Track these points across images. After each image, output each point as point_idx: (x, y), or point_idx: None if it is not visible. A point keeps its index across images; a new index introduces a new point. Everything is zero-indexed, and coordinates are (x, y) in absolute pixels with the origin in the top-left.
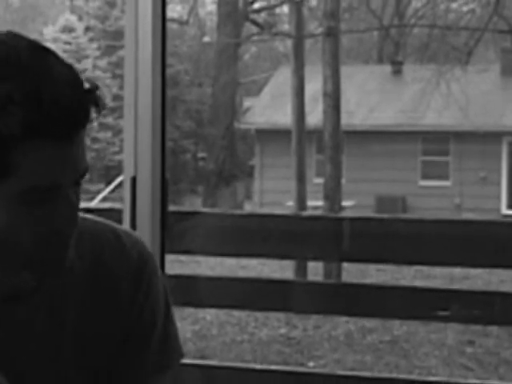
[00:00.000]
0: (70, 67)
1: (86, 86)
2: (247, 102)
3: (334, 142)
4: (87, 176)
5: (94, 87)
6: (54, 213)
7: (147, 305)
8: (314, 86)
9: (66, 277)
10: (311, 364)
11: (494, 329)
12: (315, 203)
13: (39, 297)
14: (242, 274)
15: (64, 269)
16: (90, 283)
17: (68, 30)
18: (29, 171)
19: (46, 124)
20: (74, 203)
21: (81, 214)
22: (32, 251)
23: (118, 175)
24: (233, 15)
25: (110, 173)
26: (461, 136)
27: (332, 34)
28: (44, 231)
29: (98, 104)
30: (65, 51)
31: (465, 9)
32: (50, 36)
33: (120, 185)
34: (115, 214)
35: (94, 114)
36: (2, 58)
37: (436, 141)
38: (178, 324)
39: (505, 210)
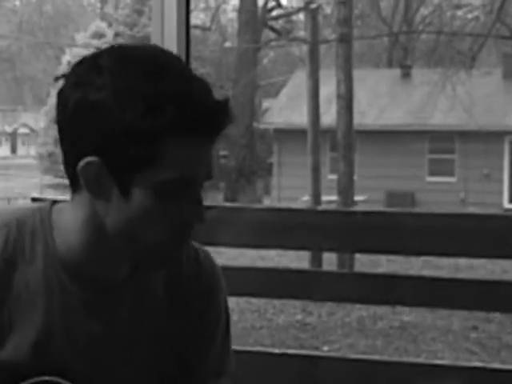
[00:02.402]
0: (208, 85)
1: (222, 97)
2: (266, 103)
3: (347, 141)
4: None
5: (227, 99)
6: (185, 206)
7: (212, 314)
8: (328, 88)
9: (148, 278)
10: (325, 348)
11: (496, 315)
12: (329, 198)
13: (125, 292)
14: (261, 264)
15: (176, 265)
16: (166, 289)
17: (98, 35)
18: (171, 163)
19: (194, 122)
20: (201, 200)
21: None
22: (158, 240)
23: None
24: (252, 22)
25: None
26: (465, 135)
27: (345, 39)
28: (172, 223)
29: (231, 118)
30: None
31: (469, 16)
32: (81, 41)
33: None
34: None
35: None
36: (159, 63)
37: (442, 140)
38: None
39: (506, 205)
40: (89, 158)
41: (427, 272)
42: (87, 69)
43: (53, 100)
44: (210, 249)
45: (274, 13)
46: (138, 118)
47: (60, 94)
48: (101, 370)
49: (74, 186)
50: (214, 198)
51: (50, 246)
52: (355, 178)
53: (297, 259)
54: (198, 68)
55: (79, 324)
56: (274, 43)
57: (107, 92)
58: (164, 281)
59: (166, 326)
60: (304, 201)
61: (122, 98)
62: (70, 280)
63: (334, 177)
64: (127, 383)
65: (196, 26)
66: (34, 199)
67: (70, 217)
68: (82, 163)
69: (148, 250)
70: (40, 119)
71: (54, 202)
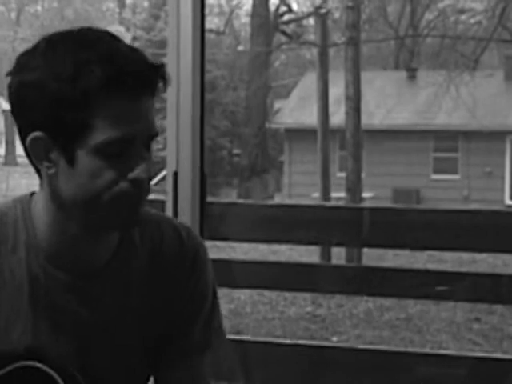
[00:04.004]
0: (139, 50)
1: (155, 61)
2: (277, 104)
3: (355, 140)
4: None
5: (162, 63)
6: (130, 165)
7: (197, 290)
8: (338, 89)
9: (131, 259)
10: (334, 339)
11: (498, 307)
12: (338, 195)
13: (108, 274)
14: (272, 258)
15: (137, 224)
16: (150, 267)
17: None
18: (107, 124)
19: (120, 80)
20: (148, 160)
21: (146, 207)
22: (110, 203)
23: (161, 170)
24: (264, 26)
25: (154, 167)
26: (469, 135)
27: (353, 43)
28: (120, 181)
29: (165, 77)
30: None
31: (472, 21)
32: None
33: (163, 178)
34: (159, 205)
35: (161, 89)
36: (78, 35)
37: (446, 139)
38: None
39: (508, 201)
40: (33, 134)
41: (432, 266)
42: (25, 55)
43: None
44: (223, 244)
45: (286, 17)
46: (68, 85)
47: (7, 84)
48: (88, 353)
49: (38, 172)
50: (227, 194)
51: (31, 236)
52: (363, 175)
53: (307, 253)
54: (213, 70)
55: (66, 310)
56: (285, 46)
57: (40, 70)
58: (148, 259)
59: (151, 303)
60: (314, 197)
61: (53, 71)
62: (53, 267)
63: (342, 174)
64: (114, 364)
65: (210, 30)
66: None
67: (40, 203)
68: (28, 140)
69: (103, 212)
70: None
71: (33, 193)
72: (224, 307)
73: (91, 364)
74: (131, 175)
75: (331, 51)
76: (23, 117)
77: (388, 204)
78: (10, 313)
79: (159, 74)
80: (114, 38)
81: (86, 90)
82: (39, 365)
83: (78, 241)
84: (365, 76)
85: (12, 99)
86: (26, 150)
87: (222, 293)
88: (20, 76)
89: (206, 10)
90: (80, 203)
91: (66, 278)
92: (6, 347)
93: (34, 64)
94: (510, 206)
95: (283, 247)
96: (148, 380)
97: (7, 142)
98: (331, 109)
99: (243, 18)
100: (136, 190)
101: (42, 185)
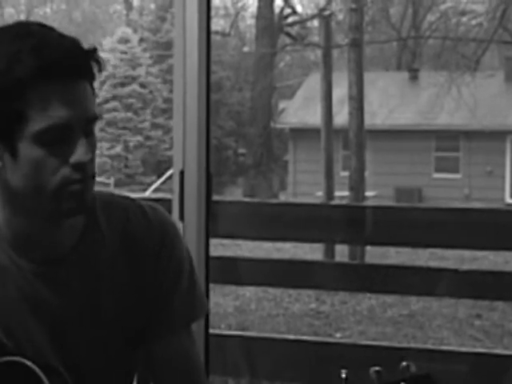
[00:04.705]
0: (70, 37)
1: (87, 47)
2: (282, 105)
3: (359, 140)
4: (141, 169)
5: (94, 48)
6: (70, 151)
7: (170, 266)
8: (341, 90)
9: (99, 242)
10: (338, 335)
11: (499, 304)
12: (342, 193)
13: (75, 259)
14: (277, 255)
15: (86, 210)
16: (119, 250)
17: (124, 41)
18: (39, 114)
19: (50, 66)
20: (88, 145)
21: (108, 191)
22: (56, 191)
23: (168, 169)
24: (269, 28)
25: (161, 167)
26: (470, 134)
27: (356, 44)
28: (62, 167)
29: (99, 61)
30: (121, 60)
31: (473, 22)
32: (108, 46)
33: (170, 177)
34: (166, 203)
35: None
36: (12, 29)
37: (448, 138)
38: (221, 300)
39: (508, 200)
40: None
41: (434, 263)
42: None
43: None
44: (228, 241)
45: (290, 19)
46: (2, 75)
47: None
48: (65, 342)
49: None
50: (232, 193)
51: None
52: (366, 174)
53: (311, 251)
54: (218, 71)
55: (36, 298)
56: (289, 48)
57: None
58: (116, 241)
59: (124, 284)
60: (318, 196)
61: None
62: (18, 256)
63: (346, 173)
64: (94, 348)
65: (216, 32)
66: None
67: None
68: None
69: (51, 200)
70: None
71: None
72: (229, 304)
73: (70, 353)
74: (71, 160)
75: (335, 52)
76: None
77: (390, 202)
78: None
79: (90, 58)
80: (46, 29)
81: (17, 80)
82: (20, 359)
83: (37, 229)
84: (368, 77)
85: None
86: None
87: (228, 290)
88: None
89: (212, 12)
90: (29, 194)
91: (32, 266)
92: None
93: None
94: (510, 205)
95: (287, 245)
96: (137, 366)
97: None
98: (335, 109)
99: (248, 20)
100: (78, 175)
101: None
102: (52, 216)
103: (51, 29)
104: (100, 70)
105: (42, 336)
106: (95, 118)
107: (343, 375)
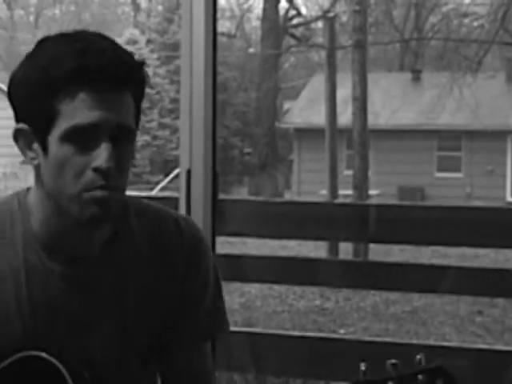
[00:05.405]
0: (122, 49)
1: (136, 59)
2: (287, 105)
3: (362, 140)
4: (148, 168)
5: (141, 62)
6: (94, 155)
7: (197, 280)
8: (345, 90)
9: (128, 248)
10: (342, 331)
11: (500, 300)
12: (345, 192)
13: (104, 262)
14: (282, 253)
15: (112, 218)
16: (148, 257)
17: (132, 42)
18: (70, 113)
19: (89, 70)
20: (113, 153)
21: (146, 200)
22: (79, 195)
23: (175, 168)
24: (274, 30)
25: (168, 166)
26: (471, 134)
27: (360, 45)
28: (84, 169)
29: (143, 75)
30: None
31: (475, 24)
32: None
33: (177, 176)
34: (173, 202)
35: (141, 89)
36: (70, 34)
37: (450, 138)
38: (227, 296)
39: (509, 198)
40: (17, 125)
41: (436, 260)
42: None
43: None
44: (235, 239)
45: (295, 21)
46: (40, 73)
47: None
48: (86, 343)
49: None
50: (238, 192)
51: (27, 228)
52: (369, 173)
53: (315, 249)
54: (224, 72)
55: (60, 299)
56: (294, 49)
57: (26, 65)
58: (147, 249)
59: (152, 291)
60: (322, 195)
61: (34, 63)
62: (48, 257)
63: (349, 172)
64: (116, 352)
65: (222, 34)
66: None
67: (34, 196)
68: (13, 133)
69: (75, 202)
70: None
71: (30, 187)
72: (235, 301)
73: (90, 356)
74: (92, 164)
75: (339, 53)
76: (13, 110)
77: (393, 201)
78: (9, 302)
79: (134, 72)
80: (100, 38)
81: (53, 77)
82: (44, 355)
83: (69, 231)
84: (371, 77)
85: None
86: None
87: (234, 287)
88: (13, 74)
89: (218, 14)
90: (56, 194)
91: (60, 268)
92: (6, 338)
93: (23, 63)
94: (511, 203)
95: (292, 243)
96: (155, 373)
97: None
98: (339, 109)
99: (254, 22)
100: (101, 181)
101: (35, 177)
102: (77, 220)
103: (107, 39)
104: (143, 86)
105: (64, 338)
106: (126, 126)
107: (362, 367)
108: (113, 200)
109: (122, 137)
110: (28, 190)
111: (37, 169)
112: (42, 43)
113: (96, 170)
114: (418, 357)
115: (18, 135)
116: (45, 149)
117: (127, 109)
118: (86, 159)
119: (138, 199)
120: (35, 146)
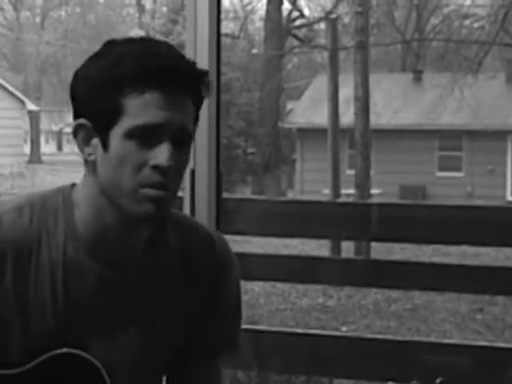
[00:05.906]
0: (186, 58)
1: (202, 68)
2: (290, 105)
3: (364, 139)
4: None
5: (205, 71)
6: (154, 153)
7: (225, 293)
8: (347, 91)
9: (164, 253)
10: (344, 329)
11: (500, 298)
12: (348, 191)
13: (142, 266)
14: (285, 251)
15: (162, 217)
16: (180, 269)
17: None
18: (134, 111)
19: (152, 71)
20: (173, 153)
21: (180, 211)
22: (135, 190)
23: None
24: (277, 31)
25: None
26: (472, 134)
27: (362, 46)
28: (143, 167)
29: (205, 82)
30: None
31: (476, 25)
32: None
33: None
34: (177, 201)
35: (203, 95)
36: (139, 39)
37: (451, 138)
38: None
39: (510, 197)
40: (78, 121)
41: (437, 259)
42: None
43: None
44: (239, 238)
45: (297, 22)
46: (106, 72)
47: None
48: (114, 343)
49: (84, 164)
50: (242, 191)
51: (70, 224)
52: (371, 173)
53: (318, 247)
54: (228, 73)
55: (94, 298)
56: (297, 50)
57: (91, 63)
58: (179, 260)
59: (180, 301)
60: (324, 194)
61: (99, 62)
62: (87, 256)
63: (351, 172)
64: (140, 356)
65: (226, 35)
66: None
67: (82, 192)
68: (73, 128)
69: (129, 198)
70: None
71: (74, 184)
72: None
73: (119, 355)
74: (151, 161)
75: (341, 54)
76: (73, 106)
77: (395, 200)
78: (45, 297)
79: (196, 79)
80: (166, 46)
81: (120, 76)
82: (84, 354)
83: (113, 231)
84: (373, 78)
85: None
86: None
87: None
88: (76, 71)
89: (222, 15)
90: (112, 190)
91: (100, 268)
92: (39, 332)
93: (88, 62)
94: (511, 202)
95: (295, 241)
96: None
97: (32, 141)
98: (341, 109)
99: (257, 23)
100: (158, 178)
101: (85, 174)
102: (129, 217)
103: (173, 48)
104: (207, 94)
105: (91, 337)
106: (187, 129)
107: (438, 381)
108: (166, 200)
109: (181, 139)
110: (72, 186)
111: (91, 164)
112: (108, 44)
113: (155, 167)
114: (438, 381)
115: (77, 130)
116: (105, 144)
117: (189, 113)
118: (145, 156)
119: (174, 209)
120: (94, 141)
